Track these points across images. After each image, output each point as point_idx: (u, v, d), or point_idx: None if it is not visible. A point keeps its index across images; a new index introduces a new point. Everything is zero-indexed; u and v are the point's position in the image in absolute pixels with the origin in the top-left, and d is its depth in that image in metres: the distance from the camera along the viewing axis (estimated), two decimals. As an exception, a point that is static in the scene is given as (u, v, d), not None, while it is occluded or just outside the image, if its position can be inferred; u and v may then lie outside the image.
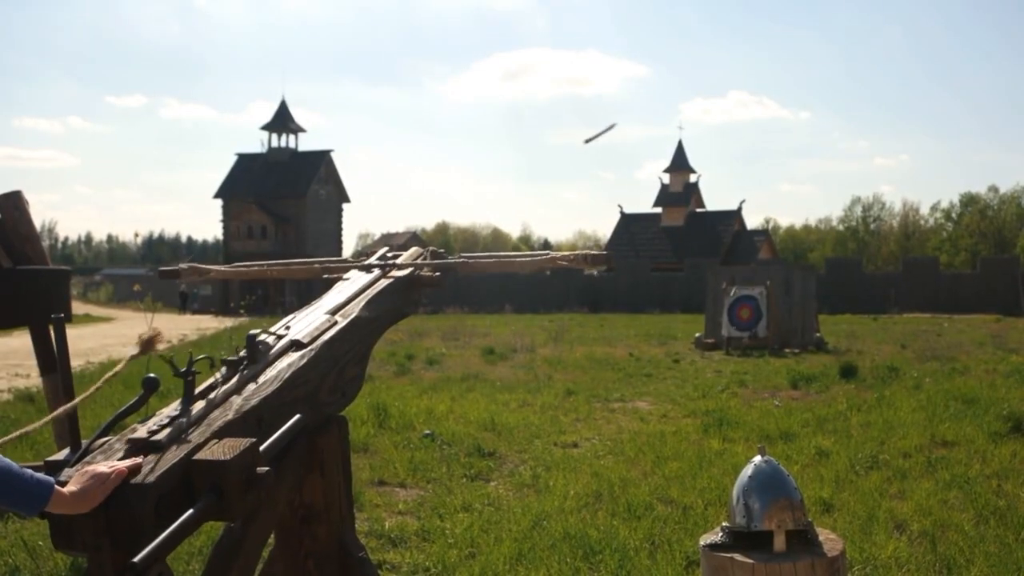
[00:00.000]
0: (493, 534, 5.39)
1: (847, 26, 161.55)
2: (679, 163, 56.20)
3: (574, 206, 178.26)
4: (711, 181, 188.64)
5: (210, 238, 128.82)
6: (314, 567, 2.49)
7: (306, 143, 77.42)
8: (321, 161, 61.78)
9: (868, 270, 52.07)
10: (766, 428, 8.85)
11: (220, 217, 61.85)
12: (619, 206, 57.42)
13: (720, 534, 3.07)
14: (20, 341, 14.55)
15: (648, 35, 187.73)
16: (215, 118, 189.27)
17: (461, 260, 3.29)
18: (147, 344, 1.88)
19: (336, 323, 2.61)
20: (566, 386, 12.55)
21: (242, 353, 2.30)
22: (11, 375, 14.66)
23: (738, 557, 2.92)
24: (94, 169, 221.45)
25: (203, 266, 3.39)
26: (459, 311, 42.57)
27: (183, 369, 2.07)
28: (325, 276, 3.28)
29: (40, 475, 1.80)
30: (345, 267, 3.23)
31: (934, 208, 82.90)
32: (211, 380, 2.19)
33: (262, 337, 2.40)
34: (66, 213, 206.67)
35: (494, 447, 8.16)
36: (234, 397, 2.15)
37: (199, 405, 2.07)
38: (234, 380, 2.20)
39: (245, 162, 62.51)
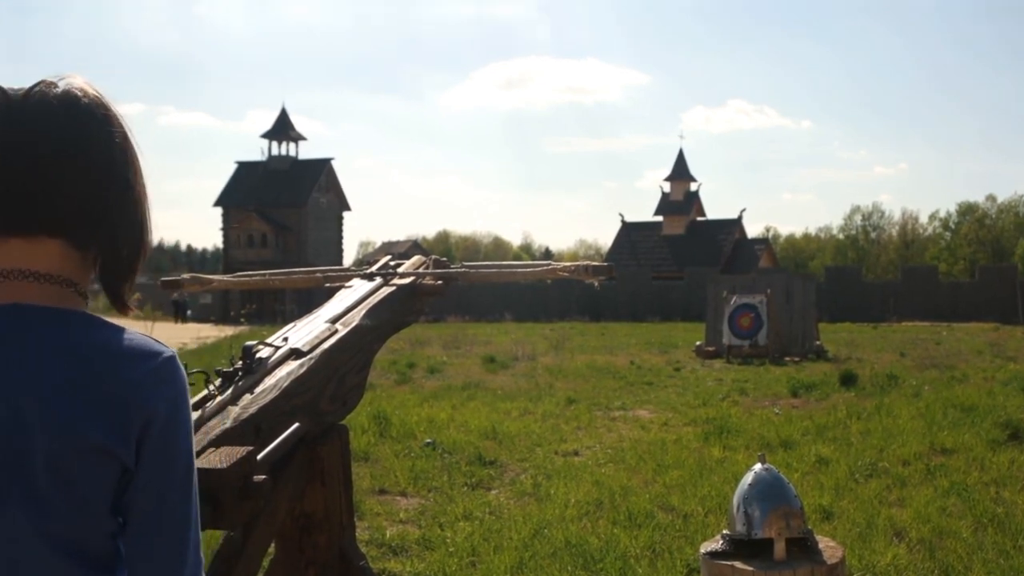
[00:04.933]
0: (494, 542, 5.40)
1: (848, 36, 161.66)
2: (680, 172, 56.25)
3: (575, 214, 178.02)
4: (712, 190, 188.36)
5: (210, 246, 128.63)
6: (315, 576, 2.50)
7: (307, 151, 77.19)
8: (322, 169, 61.78)
9: (868, 279, 52.10)
10: (766, 436, 8.86)
11: (220, 225, 61.82)
12: (620, 215, 57.44)
13: (720, 542, 3.08)
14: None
15: (649, 44, 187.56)
16: (215, 126, 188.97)
17: (463, 269, 3.29)
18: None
19: (337, 332, 2.61)
20: (567, 395, 12.55)
21: (238, 364, 2.30)
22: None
23: (738, 565, 2.93)
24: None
25: (205, 276, 3.40)
26: (460, 320, 42.52)
27: None
28: (327, 285, 3.27)
29: None
30: (347, 276, 3.23)
31: (933, 217, 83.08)
32: (204, 392, 2.19)
33: (258, 348, 2.40)
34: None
35: (495, 456, 8.16)
36: (232, 406, 2.15)
37: (195, 415, 2.07)
38: (230, 391, 2.20)
39: (245, 170, 62.50)
